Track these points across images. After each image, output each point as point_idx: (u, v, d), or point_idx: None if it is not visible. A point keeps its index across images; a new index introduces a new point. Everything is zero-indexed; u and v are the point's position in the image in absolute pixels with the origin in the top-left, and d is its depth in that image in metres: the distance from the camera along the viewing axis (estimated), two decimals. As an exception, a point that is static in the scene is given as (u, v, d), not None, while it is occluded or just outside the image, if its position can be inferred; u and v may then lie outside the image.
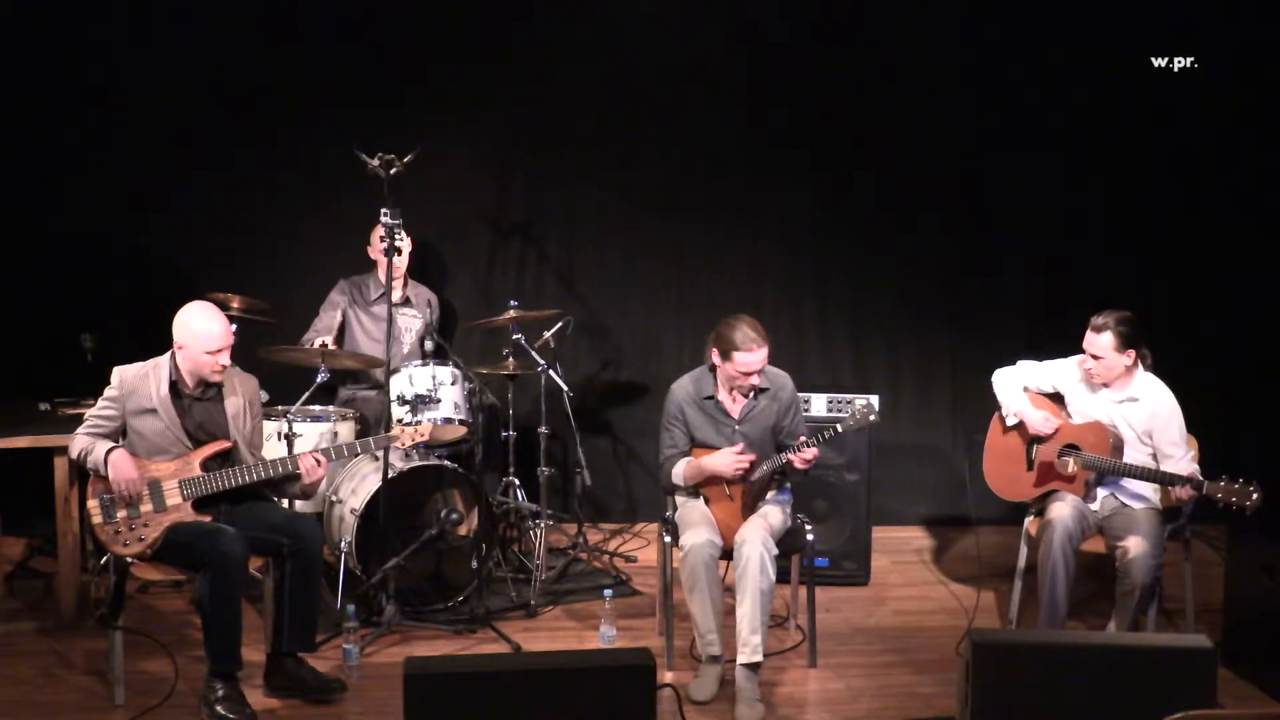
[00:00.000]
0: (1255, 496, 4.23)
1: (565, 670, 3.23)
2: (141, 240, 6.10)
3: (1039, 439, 4.77)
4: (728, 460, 4.43)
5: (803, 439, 4.37)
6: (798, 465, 4.38)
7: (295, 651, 4.31)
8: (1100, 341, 4.58)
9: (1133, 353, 4.60)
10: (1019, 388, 4.86)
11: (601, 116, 6.27)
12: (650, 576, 5.53)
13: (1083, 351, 4.68)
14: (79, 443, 4.25)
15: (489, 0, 6.19)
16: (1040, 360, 4.90)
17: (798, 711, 4.35)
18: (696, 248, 6.43)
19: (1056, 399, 4.84)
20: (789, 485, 4.70)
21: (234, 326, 5.20)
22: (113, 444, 4.23)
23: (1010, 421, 4.85)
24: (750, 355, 4.40)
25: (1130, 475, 4.57)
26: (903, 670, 4.68)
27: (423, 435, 4.55)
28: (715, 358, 4.50)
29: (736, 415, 4.55)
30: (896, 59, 6.29)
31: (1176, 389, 4.68)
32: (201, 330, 4.25)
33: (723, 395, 4.55)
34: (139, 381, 4.29)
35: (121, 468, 4.16)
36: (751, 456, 4.43)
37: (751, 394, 4.55)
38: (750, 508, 4.50)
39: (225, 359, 4.29)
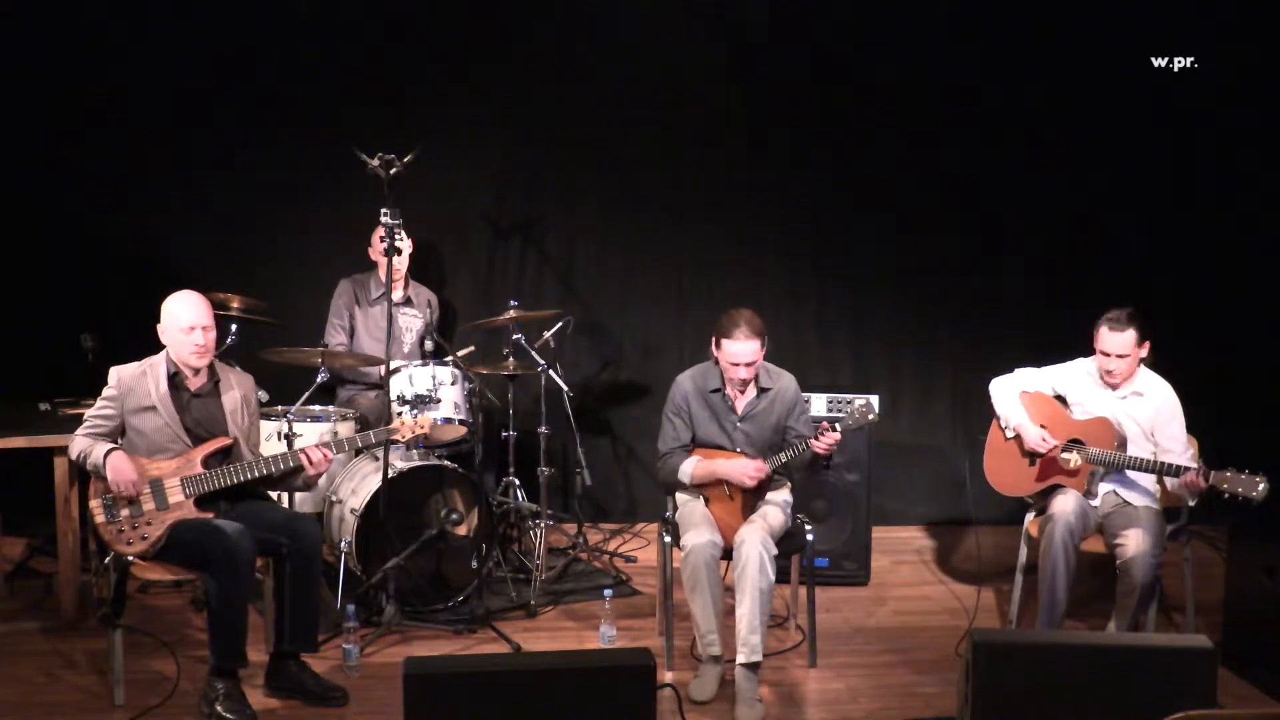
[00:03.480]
0: (1262, 487, 4.17)
1: (565, 670, 3.22)
2: (141, 240, 6.11)
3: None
4: (744, 470, 4.41)
5: (824, 425, 4.33)
6: (820, 451, 4.32)
7: (297, 652, 4.31)
8: (1124, 340, 4.56)
9: (1147, 344, 4.62)
10: (1016, 397, 4.84)
11: (601, 117, 6.28)
12: (650, 576, 5.53)
13: (1083, 354, 4.67)
14: (78, 444, 4.24)
15: (489, 1, 6.20)
16: (1038, 366, 4.89)
17: (798, 711, 4.35)
18: (696, 248, 6.44)
19: (1059, 398, 4.84)
20: (789, 485, 4.70)
21: (234, 326, 5.25)
22: (111, 445, 4.22)
23: (1009, 434, 4.85)
24: (736, 344, 4.39)
25: (1135, 468, 4.55)
26: (903, 670, 4.68)
27: (422, 428, 4.53)
28: (713, 347, 4.51)
29: (740, 411, 4.55)
30: (896, 60, 6.29)
31: (1177, 388, 4.68)
32: (172, 309, 4.27)
33: (729, 389, 4.56)
34: (136, 380, 4.29)
35: (120, 469, 4.16)
36: (767, 468, 4.42)
37: (755, 392, 4.55)
38: (750, 508, 4.50)
39: (200, 338, 4.24)
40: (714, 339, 4.49)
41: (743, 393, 4.56)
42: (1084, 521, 4.57)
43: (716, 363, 4.54)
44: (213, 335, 4.31)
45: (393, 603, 4.80)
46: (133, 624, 4.50)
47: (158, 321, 4.33)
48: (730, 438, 4.54)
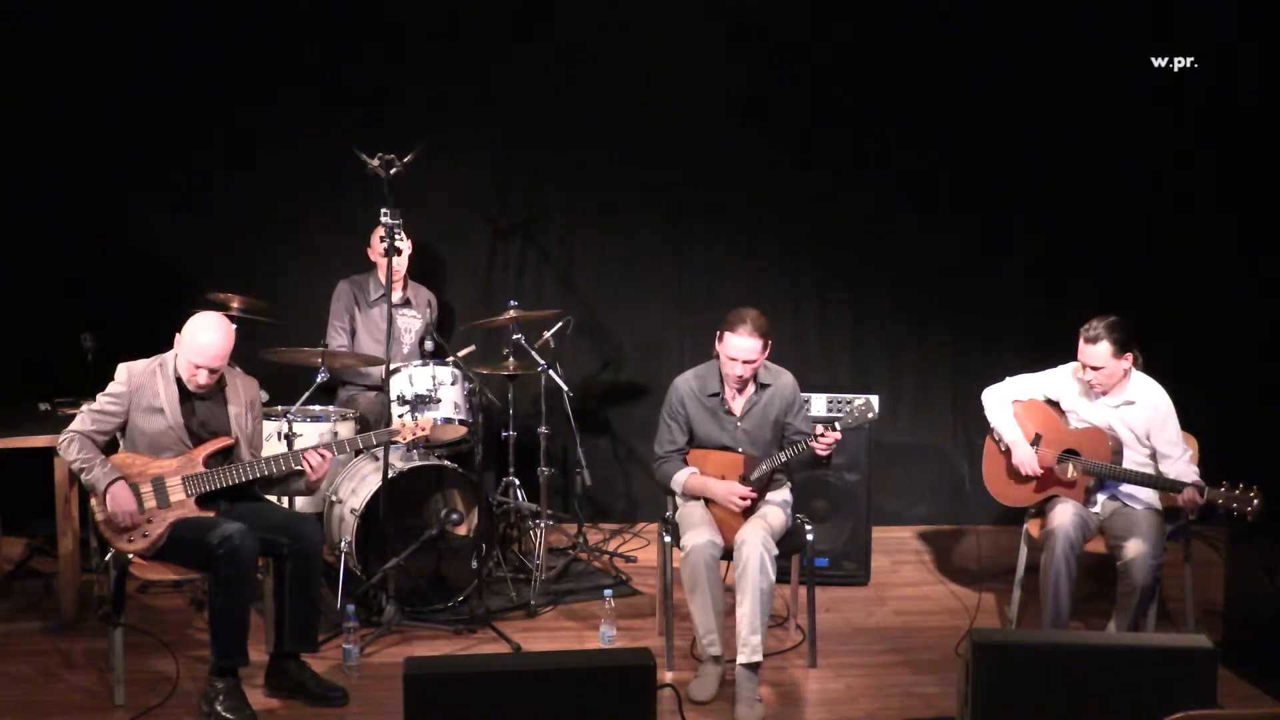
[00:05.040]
0: (1256, 503, 4.26)
1: (565, 670, 3.22)
2: (141, 240, 6.11)
3: (1038, 441, 4.76)
4: (729, 494, 4.42)
5: (821, 428, 4.33)
6: (820, 452, 4.35)
7: (297, 652, 4.31)
8: (1097, 352, 4.55)
9: (1130, 356, 4.59)
10: (1009, 410, 4.83)
11: (601, 117, 6.28)
12: (650, 576, 5.53)
13: (1076, 359, 4.67)
14: (75, 446, 4.17)
15: (489, 2, 6.20)
16: (1030, 371, 4.88)
17: (798, 711, 4.36)
18: (696, 247, 6.43)
19: (1053, 404, 4.83)
20: (790, 485, 4.70)
21: (234, 327, 5.23)
22: (116, 476, 4.14)
23: (1003, 449, 4.84)
24: (737, 339, 4.42)
25: (1130, 481, 4.57)
26: (903, 670, 4.68)
27: (424, 430, 4.52)
28: (717, 341, 4.51)
29: (739, 412, 4.56)
30: (896, 60, 6.28)
31: (1176, 390, 4.67)
32: (190, 340, 4.20)
33: (728, 392, 4.56)
34: (146, 378, 4.26)
35: (120, 500, 4.11)
36: (752, 494, 4.42)
37: (754, 388, 4.56)
38: (751, 508, 4.50)
39: (203, 378, 4.21)
40: (718, 333, 4.50)
41: (741, 392, 4.56)
42: (1083, 531, 4.57)
43: (717, 357, 4.55)
44: (217, 376, 4.27)
45: (393, 603, 4.80)
46: (133, 623, 4.49)
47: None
48: (732, 437, 4.55)
